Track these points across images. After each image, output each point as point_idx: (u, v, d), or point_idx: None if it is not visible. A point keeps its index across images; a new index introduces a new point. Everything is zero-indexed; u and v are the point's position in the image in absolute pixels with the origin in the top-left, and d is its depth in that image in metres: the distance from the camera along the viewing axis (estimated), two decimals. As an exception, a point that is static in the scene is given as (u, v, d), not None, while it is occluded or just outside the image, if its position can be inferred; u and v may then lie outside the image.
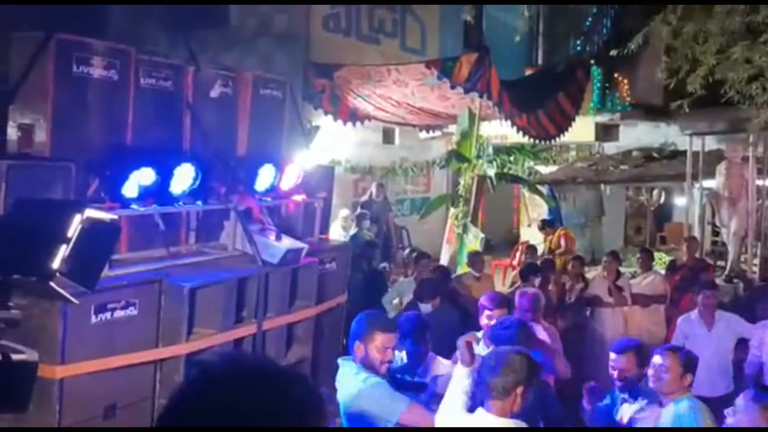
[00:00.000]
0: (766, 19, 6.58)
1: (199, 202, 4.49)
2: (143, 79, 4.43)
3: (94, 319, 3.58)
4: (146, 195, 4.05)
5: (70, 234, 2.06)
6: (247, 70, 5.63)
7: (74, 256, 2.08)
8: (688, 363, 3.76)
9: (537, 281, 7.37)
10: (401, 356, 3.88)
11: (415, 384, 3.80)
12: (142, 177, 3.98)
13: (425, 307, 6.15)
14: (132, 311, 3.78)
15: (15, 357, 1.92)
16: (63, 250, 2.04)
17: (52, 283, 2.07)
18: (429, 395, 3.68)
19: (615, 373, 3.99)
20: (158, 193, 4.12)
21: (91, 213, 2.20)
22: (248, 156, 5.08)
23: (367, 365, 3.29)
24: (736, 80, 7.05)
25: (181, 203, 4.35)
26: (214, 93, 4.95)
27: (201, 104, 4.83)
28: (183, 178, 4.22)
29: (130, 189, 3.95)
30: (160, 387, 3.98)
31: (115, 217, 2.74)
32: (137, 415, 3.87)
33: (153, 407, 3.95)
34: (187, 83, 4.74)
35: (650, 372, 3.81)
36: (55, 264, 2.03)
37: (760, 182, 9.78)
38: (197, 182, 4.29)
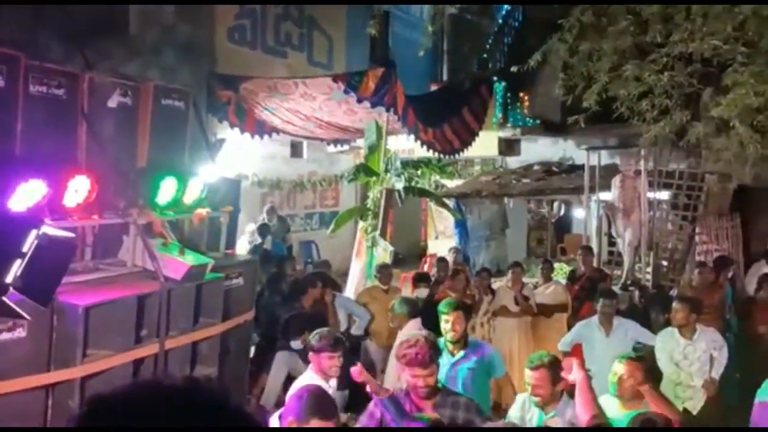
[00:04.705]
0: (654, 39, 6.93)
1: (95, 217, 4.26)
2: (33, 86, 4.19)
3: (-24, 343, 3.32)
4: (36, 209, 3.80)
5: (25, 249, 1.98)
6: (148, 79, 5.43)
7: (29, 272, 1.98)
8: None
9: (424, 291, 7.53)
10: None
11: None
12: (32, 190, 3.74)
13: (296, 344, 6.05)
14: (20, 333, 3.52)
15: None
16: (17, 265, 1.95)
17: (5, 299, 1.97)
18: None
19: (529, 389, 4.01)
20: (50, 206, 3.88)
21: (48, 229, 2.12)
22: (149, 168, 4.88)
23: None
24: (627, 97, 7.37)
25: (75, 218, 4.11)
26: (112, 102, 4.74)
27: (98, 114, 4.62)
28: (77, 191, 3.99)
29: (18, 203, 3.70)
30: (52, 413, 3.74)
31: (72, 234, 2.59)
32: (26, 445, 3.61)
33: (44, 435, 3.70)
34: (82, 91, 4.52)
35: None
36: (9, 278, 1.93)
37: (651, 195, 10.32)
38: (93, 195, 4.07)
